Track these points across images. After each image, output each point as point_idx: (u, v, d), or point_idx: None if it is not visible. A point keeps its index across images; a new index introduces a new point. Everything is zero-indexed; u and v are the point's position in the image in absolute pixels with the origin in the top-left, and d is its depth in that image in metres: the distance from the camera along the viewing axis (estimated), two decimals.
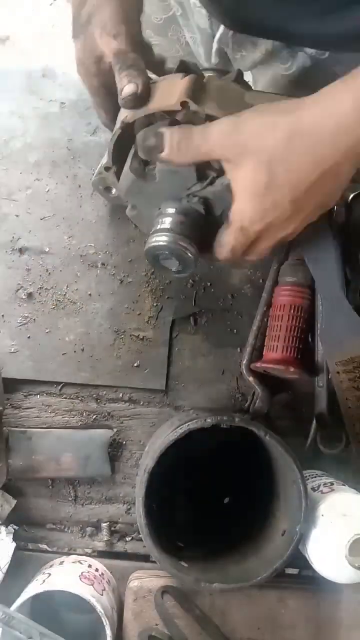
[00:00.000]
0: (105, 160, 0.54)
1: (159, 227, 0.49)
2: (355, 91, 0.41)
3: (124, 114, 0.48)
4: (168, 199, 0.49)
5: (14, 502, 0.63)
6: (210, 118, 0.46)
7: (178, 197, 0.49)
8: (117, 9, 0.48)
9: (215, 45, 0.65)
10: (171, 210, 0.49)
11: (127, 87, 0.46)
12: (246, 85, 0.52)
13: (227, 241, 0.48)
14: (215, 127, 0.44)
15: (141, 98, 0.46)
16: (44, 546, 0.66)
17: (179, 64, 0.50)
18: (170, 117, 0.47)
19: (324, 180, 0.43)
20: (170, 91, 0.46)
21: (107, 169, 0.54)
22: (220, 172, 0.47)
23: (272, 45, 0.61)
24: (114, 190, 0.61)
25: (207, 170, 0.47)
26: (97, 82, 0.51)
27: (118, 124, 0.49)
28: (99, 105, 0.53)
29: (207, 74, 0.50)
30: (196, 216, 0.49)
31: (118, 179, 0.53)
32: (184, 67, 0.50)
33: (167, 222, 0.48)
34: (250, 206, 0.45)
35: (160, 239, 0.48)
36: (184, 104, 0.45)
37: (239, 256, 0.49)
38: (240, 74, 0.51)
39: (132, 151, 0.49)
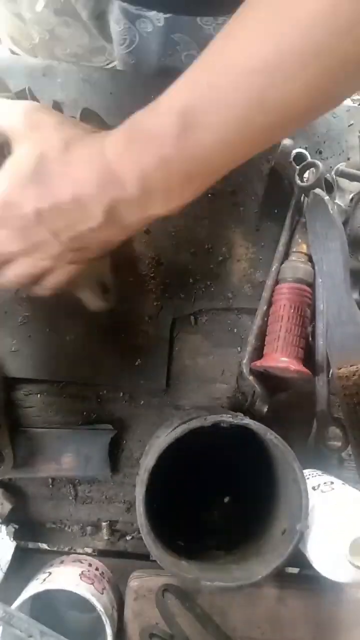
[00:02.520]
0: None
1: None
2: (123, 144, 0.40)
3: None
4: None
5: (14, 500, 0.63)
6: None
7: None
8: None
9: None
10: None
11: None
12: None
13: None
14: (27, 103, 0.45)
15: None
16: (44, 545, 0.67)
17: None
18: None
19: (75, 204, 0.41)
20: None
21: None
22: None
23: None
24: None
25: None
26: None
27: None
28: None
29: None
30: None
31: None
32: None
33: None
34: (1, 189, 0.42)
35: None
36: None
37: None
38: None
39: None
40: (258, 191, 0.68)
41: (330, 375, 0.62)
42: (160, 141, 0.38)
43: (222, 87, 0.36)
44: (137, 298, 0.66)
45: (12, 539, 0.61)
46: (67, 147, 0.41)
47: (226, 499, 0.66)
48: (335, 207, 0.61)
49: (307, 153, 0.65)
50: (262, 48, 0.35)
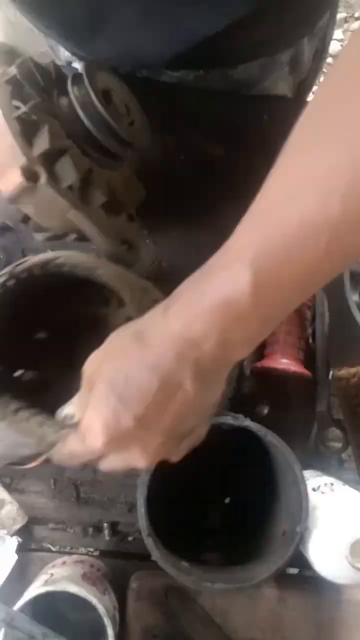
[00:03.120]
0: None
1: None
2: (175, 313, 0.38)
3: None
4: None
5: (26, 518, 0.64)
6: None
7: None
8: None
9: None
10: None
11: None
12: (75, 199, 0.52)
13: (66, 446, 0.42)
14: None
15: None
16: (47, 546, 0.67)
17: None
18: None
19: (167, 392, 0.38)
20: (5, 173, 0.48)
21: None
22: None
23: None
24: None
25: None
26: None
27: None
28: None
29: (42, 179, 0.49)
30: None
31: None
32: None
33: None
34: (93, 415, 0.40)
35: None
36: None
37: (78, 462, 0.43)
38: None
39: None
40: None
41: (330, 377, 0.63)
42: (235, 304, 0.35)
43: (294, 244, 0.34)
44: None
45: (15, 551, 0.62)
46: (128, 346, 0.39)
47: (227, 500, 0.66)
48: None
49: None
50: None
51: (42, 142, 0.49)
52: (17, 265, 0.49)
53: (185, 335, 0.37)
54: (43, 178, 0.48)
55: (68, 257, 0.49)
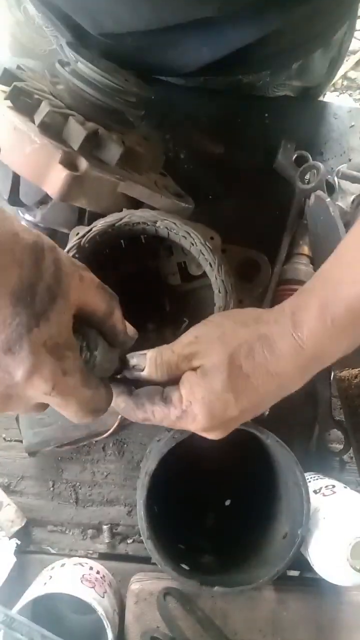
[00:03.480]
0: None
1: None
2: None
3: None
4: None
5: (24, 520, 0.64)
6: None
7: None
8: None
9: None
10: None
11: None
12: (124, 171, 0.53)
13: (158, 414, 0.42)
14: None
15: None
16: (46, 548, 0.66)
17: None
18: None
19: (280, 394, 0.43)
20: (47, 175, 0.48)
21: None
22: None
23: None
24: None
25: None
26: None
27: None
28: None
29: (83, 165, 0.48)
30: None
31: None
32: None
33: None
34: (200, 398, 0.41)
35: None
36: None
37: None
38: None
39: None
40: (259, 193, 0.68)
41: (331, 378, 0.62)
42: None
43: None
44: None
45: (13, 553, 0.61)
46: (254, 349, 0.41)
47: (227, 502, 0.66)
48: (337, 209, 0.61)
49: (308, 155, 0.64)
50: None
51: (42, 112, 0.49)
52: (82, 237, 0.50)
53: (317, 354, 0.41)
54: (84, 163, 0.48)
55: (131, 214, 0.51)
